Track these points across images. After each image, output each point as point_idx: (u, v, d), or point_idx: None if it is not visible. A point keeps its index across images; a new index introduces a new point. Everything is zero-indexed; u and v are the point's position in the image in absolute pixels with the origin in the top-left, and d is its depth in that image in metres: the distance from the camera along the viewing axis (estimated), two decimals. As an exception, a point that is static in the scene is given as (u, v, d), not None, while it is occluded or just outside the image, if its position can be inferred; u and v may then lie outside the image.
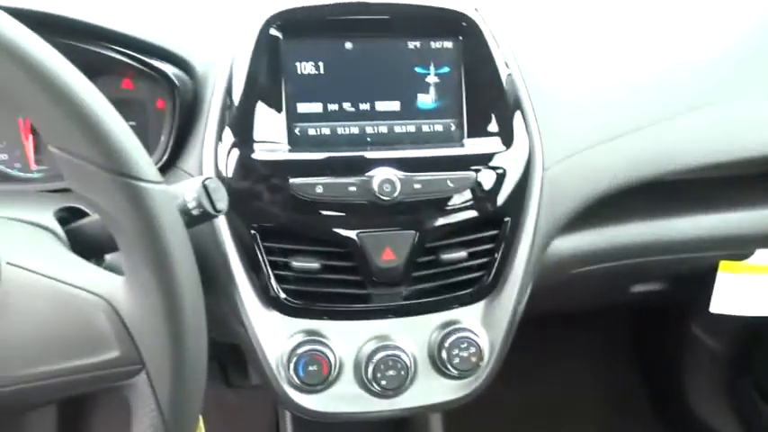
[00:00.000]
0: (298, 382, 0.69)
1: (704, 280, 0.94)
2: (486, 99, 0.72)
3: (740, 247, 0.91)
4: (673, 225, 0.87)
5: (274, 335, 0.70)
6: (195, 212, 0.51)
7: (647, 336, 1.43)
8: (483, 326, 0.73)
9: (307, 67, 0.69)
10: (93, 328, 0.45)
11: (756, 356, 1.27)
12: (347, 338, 0.71)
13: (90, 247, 0.55)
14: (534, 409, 1.37)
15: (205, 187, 0.51)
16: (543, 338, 1.22)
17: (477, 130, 0.71)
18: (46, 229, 0.55)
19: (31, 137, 0.76)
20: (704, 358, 1.30)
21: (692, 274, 1.00)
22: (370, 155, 0.68)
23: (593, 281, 0.91)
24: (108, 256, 0.58)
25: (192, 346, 0.46)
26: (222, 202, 0.52)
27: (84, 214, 0.60)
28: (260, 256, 0.68)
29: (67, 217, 0.58)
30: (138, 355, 0.46)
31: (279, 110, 0.69)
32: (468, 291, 0.72)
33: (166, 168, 0.70)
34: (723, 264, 0.93)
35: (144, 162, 0.45)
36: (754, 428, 1.29)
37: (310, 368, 0.68)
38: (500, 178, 0.70)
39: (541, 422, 1.37)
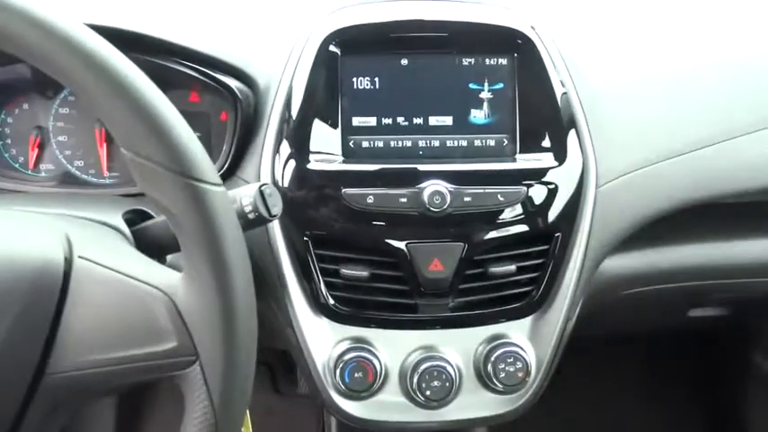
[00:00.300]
0: (343, 387, 0.70)
1: (768, 306, 0.90)
2: (540, 116, 0.72)
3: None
4: (736, 248, 0.84)
5: (322, 340, 0.71)
6: (251, 216, 0.53)
7: (704, 362, 1.37)
8: (530, 341, 0.72)
9: (363, 83, 0.72)
10: (153, 320, 0.48)
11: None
12: (393, 347, 0.72)
13: (153, 246, 0.59)
14: (583, 430, 1.34)
15: (261, 193, 0.54)
16: (594, 359, 1.19)
17: (530, 145, 0.72)
18: (114, 228, 0.59)
19: (105, 146, 0.81)
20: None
21: (755, 301, 0.96)
22: (421, 167, 0.69)
23: (647, 302, 0.88)
24: (169, 257, 0.61)
25: (243, 340, 0.48)
26: (277, 207, 0.55)
27: (148, 217, 0.63)
28: (311, 263, 0.70)
29: (134, 219, 0.62)
30: (192, 346, 0.48)
31: (335, 123, 0.71)
32: (515, 305, 0.72)
33: (226, 177, 0.74)
34: (790, 291, 0.89)
35: (206, 166, 0.48)
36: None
37: (356, 375, 0.69)
38: (551, 194, 0.70)
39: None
